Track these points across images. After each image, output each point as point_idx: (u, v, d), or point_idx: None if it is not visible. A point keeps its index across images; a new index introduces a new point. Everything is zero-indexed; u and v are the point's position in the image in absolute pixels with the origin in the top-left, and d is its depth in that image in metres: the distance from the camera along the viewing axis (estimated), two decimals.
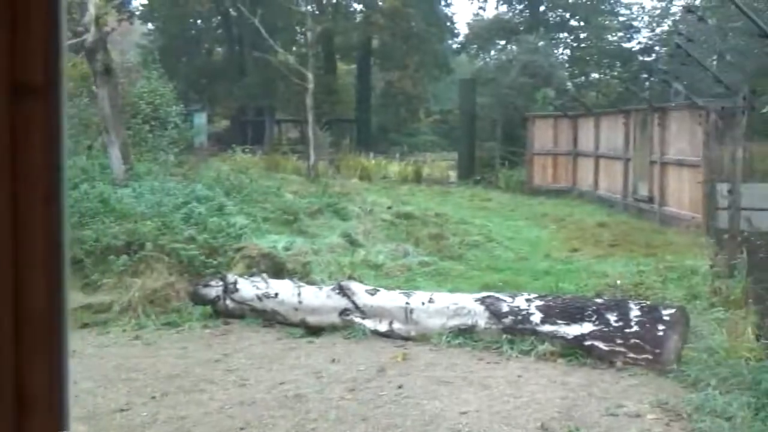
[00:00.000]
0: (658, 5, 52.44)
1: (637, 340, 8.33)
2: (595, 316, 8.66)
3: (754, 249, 14.39)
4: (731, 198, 13.91)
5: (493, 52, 52.36)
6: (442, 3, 56.84)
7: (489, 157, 34.72)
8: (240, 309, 10.56)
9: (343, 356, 8.88)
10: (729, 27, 31.97)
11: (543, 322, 8.84)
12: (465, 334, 9.19)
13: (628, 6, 54.18)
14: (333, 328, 9.86)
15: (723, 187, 15.44)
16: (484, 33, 53.19)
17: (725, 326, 8.99)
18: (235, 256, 12.09)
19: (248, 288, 10.56)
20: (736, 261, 11.86)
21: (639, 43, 52.08)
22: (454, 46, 58.33)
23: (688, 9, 32.01)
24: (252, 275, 11.04)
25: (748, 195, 15.05)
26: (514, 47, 44.03)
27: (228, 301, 10.60)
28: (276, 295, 10.34)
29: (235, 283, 10.66)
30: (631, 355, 8.33)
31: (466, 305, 9.33)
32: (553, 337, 8.74)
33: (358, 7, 53.79)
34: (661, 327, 8.30)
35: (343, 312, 9.86)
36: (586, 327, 8.63)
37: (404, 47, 51.93)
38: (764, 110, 28.16)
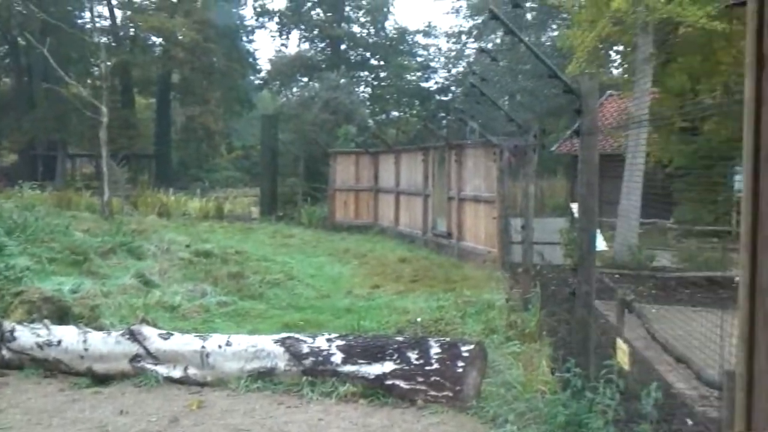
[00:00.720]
0: (454, 47, 54.61)
1: (438, 378, 8.25)
2: (396, 355, 8.52)
3: (547, 282, 14.92)
4: (524, 233, 14.34)
5: (295, 89, 52.52)
6: (244, 39, 56.50)
7: (292, 193, 34.56)
8: (18, 359, 9.64)
9: (132, 407, 8.24)
10: (519, 69, 33.61)
11: (344, 362, 8.60)
12: (264, 377, 8.79)
13: (425, 47, 56.03)
14: (123, 376, 9.17)
15: (516, 222, 15.97)
16: (287, 69, 53.32)
17: (521, 360, 9.11)
18: (14, 301, 11.09)
19: (27, 336, 9.67)
20: (530, 294, 12.18)
21: (436, 83, 53.95)
22: (257, 81, 58.05)
23: (482, 50, 33.38)
24: (32, 321, 10.14)
25: (540, 229, 15.62)
26: (316, 84, 44.31)
27: (4, 351, 9.66)
28: (59, 342, 9.51)
29: (12, 330, 9.74)
30: (432, 392, 8.24)
31: (265, 347, 8.94)
32: (354, 377, 8.52)
33: (157, 40, 52.43)
34: (460, 363, 8.27)
35: (134, 358, 9.20)
36: (388, 366, 8.47)
37: (205, 82, 51.09)
38: (552, 148, 29.69)
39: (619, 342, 6.92)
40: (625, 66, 27.22)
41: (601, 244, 12.97)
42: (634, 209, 19.06)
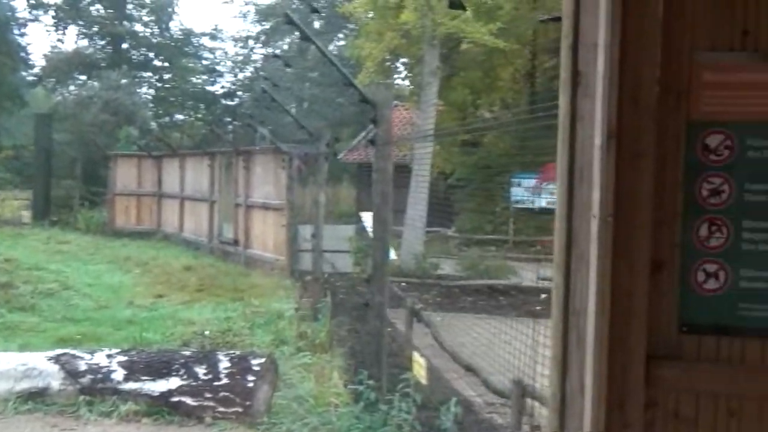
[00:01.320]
0: (241, 52, 53.95)
1: (227, 393, 7.94)
2: (183, 370, 8.12)
3: (336, 291, 14.90)
4: (314, 241, 14.24)
5: (72, 87, 49.81)
6: (15, 31, 52.99)
7: (67, 197, 32.65)
8: None
9: None
10: (309, 76, 33.67)
11: (126, 379, 8.09)
12: (36, 398, 8.10)
13: (212, 50, 54.96)
14: None
15: (306, 230, 15.85)
16: (63, 66, 50.50)
17: (313, 371, 8.96)
18: None
19: None
20: (320, 304, 12.07)
21: (222, 87, 53.04)
22: (29, 77, 54.56)
23: (274, 55, 33.13)
24: None
25: (329, 237, 15.59)
26: (95, 83, 42.27)
27: None
28: None
29: None
30: (221, 408, 7.91)
31: (37, 365, 8.24)
32: (137, 395, 8.02)
33: None
34: (250, 378, 8.00)
35: None
36: (174, 382, 8.05)
37: None
38: (340, 156, 29.92)
39: (416, 355, 6.92)
40: (410, 77, 27.92)
41: (390, 253, 13.11)
42: (420, 218, 19.50)
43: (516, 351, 8.18)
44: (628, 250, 2.59)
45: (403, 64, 28.47)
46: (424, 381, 6.73)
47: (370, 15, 23.18)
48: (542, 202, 22.93)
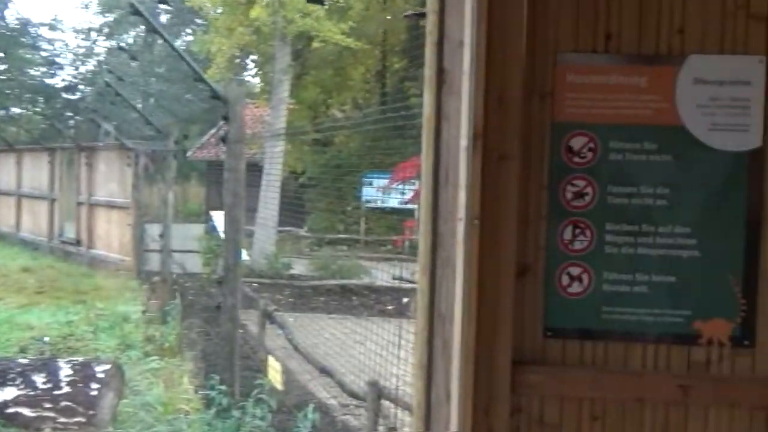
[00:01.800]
0: (83, 44, 51.81)
1: (69, 403, 7.52)
2: (20, 379, 7.66)
3: (186, 292, 14.47)
4: (162, 241, 13.79)
5: None
6: None
7: None
8: None
9: None
10: (157, 71, 32.67)
11: None
12: None
13: (51, 41, 52.49)
14: None
15: (154, 229, 15.33)
16: None
17: (162, 377, 8.63)
18: None
19: None
20: (169, 306, 11.67)
21: (63, 80, 50.78)
22: None
23: (119, 47, 31.94)
24: None
25: (178, 237, 15.13)
26: None
27: None
28: None
29: None
30: (62, 419, 7.50)
31: None
32: None
33: None
34: (94, 386, 7.62)
35: None
36: (10, 392, 7.58)
37: None
38: (189, 154, 29.20)
39: (271, 360, 6.74)
40: (261, 75, 27.59)
41: (241, 253, 12.82)
42: (272, 218, 19.25)
43: (370, 351, 8.15)
44: (494, 253, 2.54)
45: (254, 61, 28.11)
46: (279, 386, 6.56)
47: (220, 10, 22.70)
48: (394, 202, 23.13)
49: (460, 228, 2.47)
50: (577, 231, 2.57)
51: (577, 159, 2.57)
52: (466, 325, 2.50)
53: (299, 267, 18.92)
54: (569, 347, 2.59)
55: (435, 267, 2.57)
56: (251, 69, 30.41)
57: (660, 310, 2.55)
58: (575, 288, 2.58)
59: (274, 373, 6.49)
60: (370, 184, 23.87)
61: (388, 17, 26.11)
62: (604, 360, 2.58)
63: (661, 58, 2.54)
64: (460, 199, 2.47)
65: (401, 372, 7.01)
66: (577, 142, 2.57)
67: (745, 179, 2.52)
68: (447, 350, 2.56)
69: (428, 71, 2.60)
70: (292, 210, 21.33)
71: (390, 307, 14.23)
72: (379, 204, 24.54)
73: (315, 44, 22.89)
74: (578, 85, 2.57)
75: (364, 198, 24.38)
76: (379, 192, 23.49)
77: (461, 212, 2.46)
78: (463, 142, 2.45)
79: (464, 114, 2.45)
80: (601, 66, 2.56)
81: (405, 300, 12.31)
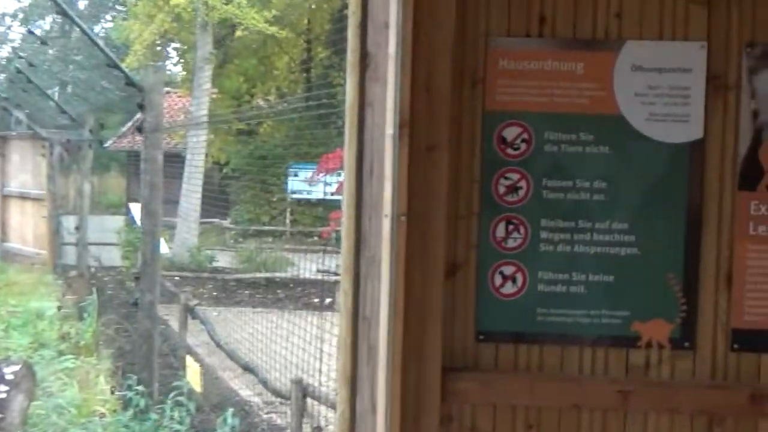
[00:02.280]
0: None
1: None
2: None
3: (104, 287, 14.02)
4: (78, 233, 13.32)
5: None
6: None
7: None
8: None
9: None
10: (73, 59, 31.73)
11: None
12: None
13: None
14: None
15: (70, 221, 14.81)
16: None
17: (77, 377, 8.26)
18: None
19: None
20: (85, 302, 11.25)
21: None
22: None
23: (29, 31, 30.89)
24: None
25: (96, 229, 14.66)
26: None
27: None
28: None
29: None
30: None
31: None
32: None
33: None
34: (3, 388, 7.22)
35: None
36: None
37: None
38: (107, 144, 28.43)
39: (190, 360, 6.46)
40: (183, 63, 27.02)
41: (162, 246, 12.45)
42: (194, 209, 18.82)
43: (295, 347, 7.94)
44: (422, 252, 2.36)
45: (176, 49, 27.50)
46: (198, 388, 6.29)
47: None
48: (320, 193, 22.86)
49: (386, 224, 2.28)
50: (511, 228, 2.42)
51: (510, 150, 2.41)
52: (392, 329, 2.31)
53: (223, 260, 18.55)
54: (502, 352, 2.44)
55: (359, 266, 2.38)
56: (174, 57, 29.74)
57: (597, 311, 2.42)
58: (509, 288, 2.43)
59: (193, 374, 6.22)
60: (296, 175, 23.55)
61: (313, 6, 25.81)
62: (539, 365, 2.43)
63: (598, 43, 2.40)
64: (386, 193, 2.28)
65: (327, 368, 6.82)
66: (510, 133, 2.41)
67: (686, 172, 2.40)
68: (372, 356, 2.37)
69: (351, 55, 2.40)
70: (216, 201, 20.93)
71: (316, 300, 14.02)
72: (305, 195, 24.25)
73: (238, 33, 22.45)
74: (511, 71, 2.41)
75: (289, 189, 24.05)
76: (305, 183, 23.19)
77: (387, 207, 2.27)
78: (389, 131, 2.26)
79: (389, 101, 2.26)
80: (535, 51, 2.41)
81: (328, 300, 12.11)
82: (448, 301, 2.43)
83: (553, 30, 2.40)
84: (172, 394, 6.37)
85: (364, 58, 2.37)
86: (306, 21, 26.52)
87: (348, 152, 2.39)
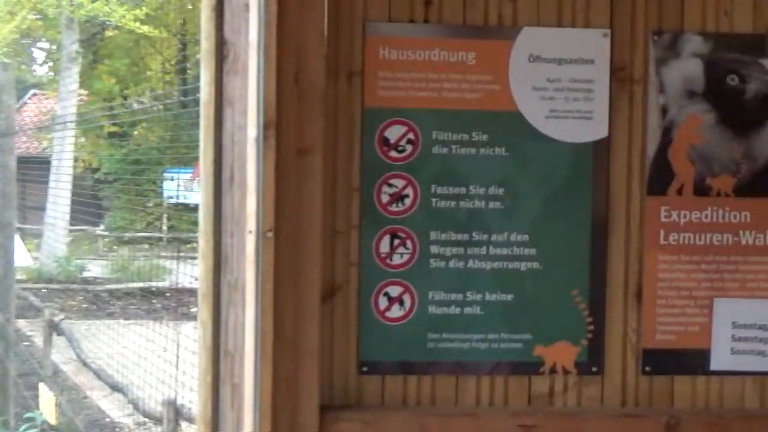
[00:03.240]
0: None
1: None
2: None
3: None
4: None
5: None
6: None
7: None
8: None
9: None
10: None
11: None
12: None
13: None
14: None
15: None
16: None
17: None
18: None
19: None
20: None
21: None
22: None
23: None
24: None
25: None
26: None
27: None
28: None
29: None
30: None
31: None
32: None
33: None
34: None
35: None
36: None
37: None
38: None
39: (43, 389, 5.86)
40: (50, 64, 25.85)
41: (23, 257, 11.62)
42: (62, 216, 17.84)
43: (168, 363, 7.46)
44: (294, 273, 2.04)
45: (43, 48, 26.28)
46: (52, 420, 5.72)
47: None
48: (197, 198, 22.19)
49: (251, 242, 1.94)
50: (396, 242, 2.11)
51: (394, 153, 2.11)
52: (260, 365, 1.97)
53: (95, 269, 17.68)
54: (390, 385, 2.14)
55: (219, 292, 2.03)
56: (40, 57, 28.41)
57: (495, 334, 2.15)
58: (395, 312, 2.12)
59: (47, 404, 5.64)
60: (173, 179, 22.81)
61: (189, 6, 25.09)
62: (431, 398, 2.14)
63: (491, 30, 2.12)
64: (250, 205, 1.93)
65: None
66: (393, 133, 2.10)
67: (590, 176, 2.15)
68: (237, 397, 2.04)
69: (205, 43, 2.04)
70: (87, 207, 19.99)
71: (194, 310, 13.46)
72: (182, 200, 23.51)
73: (109, 32, 21.56)
74: (393, 62, 2.10)
75: (166, 194, 23.27)
76: (182, 187, 22.47)
77: (251, 222, 1.93)
78: (252, 132, 1.92)
79: (252, 98, 1.92)
80: (421, 39, 2.11)
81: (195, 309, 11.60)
82: (326, 328, 2.12)
83: (441, 15, 2.11)
84: (22, 428, 5.78)
85: (220, 46, 2.02)
86: (182, 21, 25.80)
87: (204, 158, 2.03)
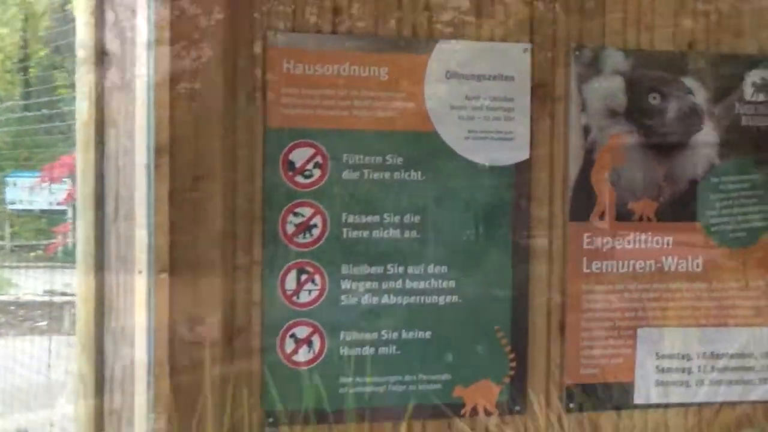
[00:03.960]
0: None
1: None
2: None
3: None
4: None
5: None
6: None
7: None
8: None
9: None
10: None
11: None
12: None
13: None
14: None
15: None
16: None
17: None
18: None
19: None
20: None
21: None
22: None
23: None
24: None
25: None
26: None
27: None
28: None
29: None
30: None
31: None
32: None
33: None
34: None
35: None
36: None
37: None
38: None
39: None
40: None
41: None
42: None
43: (12, 385, 6.93)
44: (189, 315, 1.78)
45: None
46: None
47: None
48: (44, 204, 21.08)
49: (141, 284, 1.68)
50: (304, 278, 1.91)
51: (300, 179, 1.89)
52: (152, 423, 1.72)
53: None
54: None
55: (102, 343, 1.76)
56: None
57: (413, 375, 1.98)
58: (303, 355, 1.92)
59: None
60: (15, 184, 21.56)
61: (30, 0, 23.84)
62: None
63: (405, 43, 1.94)
64: (140, 241, 1.67)
65: (61, 404, 5.93)
66: (299, 156, 1.89)
67: (511, 201, 1.99)
68: None
69: (81, 53, 1.77)
70: None
71: (42, 323, 12.70)
72: (26, 206, 22.28)
73: None
74: (299, 77, 1.89)
75: (8, 199, 21.98)
76: (27, 193, 21.29)
77: (141, 262, 1.67)
78: (141, 158, 1.66)
79: (140, 118, 1.66)
80: (329, 51, 1.91)
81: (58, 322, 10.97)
82: (225, 375, 1.87)
83: (351, 25, 1.91)
84: None
85: (100, 57, 1.75)
86: (22, 17, 24.51)
87: (81, 187, 1.76)
